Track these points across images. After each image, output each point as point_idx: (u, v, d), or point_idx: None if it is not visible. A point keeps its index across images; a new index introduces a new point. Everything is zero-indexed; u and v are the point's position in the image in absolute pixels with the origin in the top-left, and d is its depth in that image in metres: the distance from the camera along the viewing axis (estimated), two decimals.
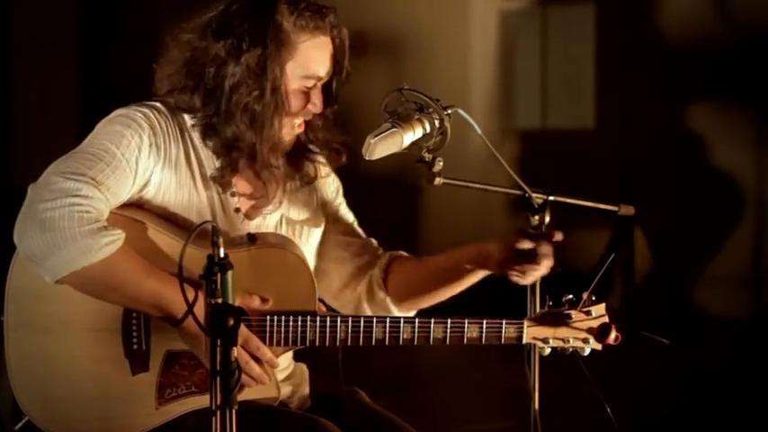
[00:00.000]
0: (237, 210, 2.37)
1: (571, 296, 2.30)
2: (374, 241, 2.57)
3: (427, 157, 2.27)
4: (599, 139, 7.66)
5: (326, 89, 2.38)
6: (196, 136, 2.34)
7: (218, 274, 1.86)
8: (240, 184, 2.39)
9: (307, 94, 2.33)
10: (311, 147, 2.46)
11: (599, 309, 2.31)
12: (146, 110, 2.29)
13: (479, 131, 2.27)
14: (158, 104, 2.33)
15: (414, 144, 2.26)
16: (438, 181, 2.28)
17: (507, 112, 8.08)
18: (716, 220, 7.09)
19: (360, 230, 2.57)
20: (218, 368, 1.83)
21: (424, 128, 2.25)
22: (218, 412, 1.84)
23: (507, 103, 8.09)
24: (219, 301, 1.86)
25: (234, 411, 1.84)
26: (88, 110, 6.88)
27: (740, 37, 6.95)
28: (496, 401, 5.18)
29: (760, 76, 6.76)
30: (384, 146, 2.22)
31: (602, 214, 2.44)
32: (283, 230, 2.44)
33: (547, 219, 2.32)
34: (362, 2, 7.46)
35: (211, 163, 2.35)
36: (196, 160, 2.34)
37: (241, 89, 2.27)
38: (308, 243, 2.48)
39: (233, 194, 2.36)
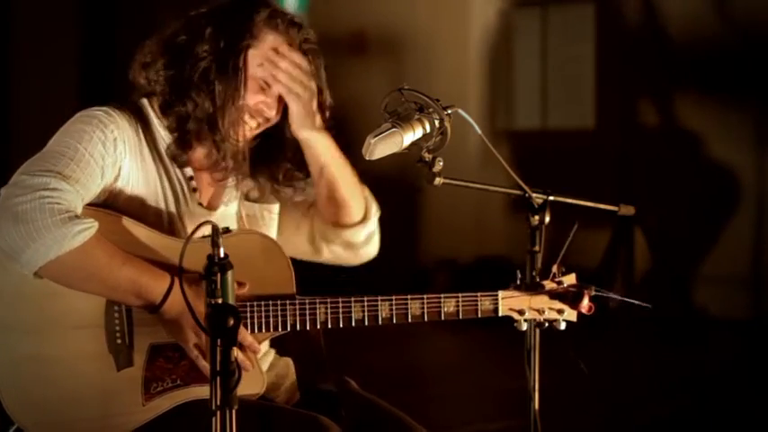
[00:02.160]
0: (195, 190, 2.39)
1: (539, 266, 2.32)
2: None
3: (427, 157, 2.27)
4: (599, 139, 7.67)
5: (287, 112, 2.40)
6: (159, 131, 2.37)
7: (218, 274, 1.86)
8: (198, 163, 2.40)
9: (263, 91, 2.36)
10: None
11: (570, 278, 2.34)
12: (106, 107, 2.34)
13: (479, 131, 2.27)
14: (118, 104, 2.37)
15: (414, 144, 2.25)
16: (438, 181, 2.28)
17: (507, 112, 8.08)
18: (716, 220, 7.09)
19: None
20: (217, 368, 1.83)
21: (424, 128, 2.25)
22: (218, 412, 1.83)
23: (507, 103, 8.10)
24: (219, 301, 1.86)
25: (233, 411, 1.84)
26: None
27: (740, 37, 6.95)
28: (497, 401, 5.18)
29: (760, 76, 6.77)
30: (384, 146, 2.22)
31: (602, 214, 2.44)
32: (244, 219, 2.48)
33: (547, 219, 2.33)
34: (362, 2, 7.47)
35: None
36: (158, 155, 2.36)
37: (205, 59, 2.32)
38: (270, 230, 2.51)
39: (191, 178, 2.39)
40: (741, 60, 6.86)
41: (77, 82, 7.01)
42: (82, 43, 7.06)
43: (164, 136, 2.37)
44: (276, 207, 2.55)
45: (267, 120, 2.40)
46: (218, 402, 1.83)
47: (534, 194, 2.33)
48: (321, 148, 2.42)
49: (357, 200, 2.51)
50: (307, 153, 2.43)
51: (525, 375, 2.32)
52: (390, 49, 7.63)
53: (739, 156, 7.03)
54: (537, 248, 2.34)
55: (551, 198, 2.34)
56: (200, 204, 2.40)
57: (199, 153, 2.39)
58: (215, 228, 1.90)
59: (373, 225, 2.57)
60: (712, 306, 6.98)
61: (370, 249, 2.59)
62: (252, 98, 2.36)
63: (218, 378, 1.83)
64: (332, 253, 2.57)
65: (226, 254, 1.89)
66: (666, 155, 7.20)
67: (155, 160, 2.35)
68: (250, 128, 2.39)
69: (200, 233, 1.96)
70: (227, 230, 2.32)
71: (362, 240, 2.56)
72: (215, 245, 1.89)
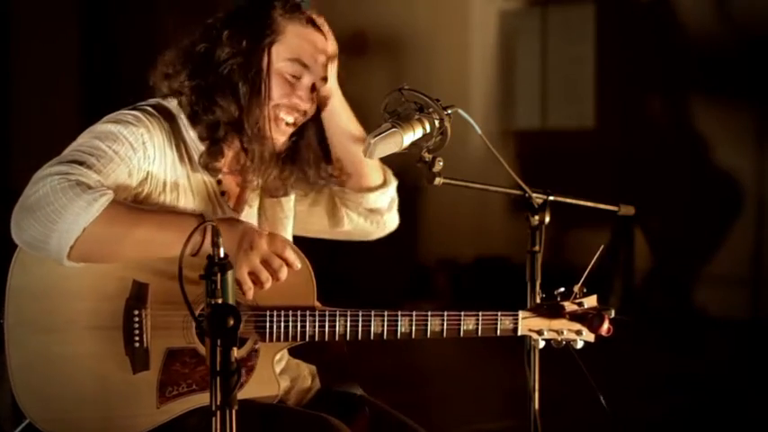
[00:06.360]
0: (223, 193, 2.38)
1: (563, 289, 2.35)
2: None
3: (427, 157, 2.28)
4: (599, 139, 7.66)
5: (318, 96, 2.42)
6: (189, 134, 2.35)
7: (218, 274, 1.86)
8: (227, 167, 2.40)
9: (293, 86, 2.35)
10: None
11: (591, 300, 2.36)
12: (137, 112, 2.31)
13: (479, 131, 2.27)
14: (149, 108, 2.35)
15: (414, 144, 2.26)
16: (438, 181, 2.28)
17: (507, 112, 8.08)
18: (716, 220, 7.09)
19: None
20: (218, 368, 1.83)
21: (424, 128, 2.25)
22: (218, 412, 1.84)
23: (507, 103, 8.09)
24: (219, 301, 1.86)
25: (234, 411, 1.84)
26: (88, 111, 6.88)
27: (740, 37, 6.95)
28: (497, 401, 5.18)
29: (760, 76, 6.76)
30: (384, 146, 2.23)
31: (602, 214, 2.45)
32: (266, 216, 2.48)
33: (547, 219, 2.33)
34: (362, 2, 7.47)
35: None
36: (188, 159, 2.35)
37: (227, 62, 2.32)
38: (289, 220, 2.52)
39: (219, 182, 2.38)
40: (741, 60, 6.86)
41: (78, 83, 7.00)
42: (83, 44, 7.05)
43: (194, 139, 2.35)
44: (290, 221, 2.54)
45: (304, 113, 2.39)
46: (219, 403, 1.83)
47: (534, 194, 2.34)
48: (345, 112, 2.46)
49: (373, 163, 2.53)
50: (330, 121, 2.46)
51: (525, 375, 2.32)
52: (390, 49, 7.62)
53: (739, 156, 7.03)
54: (537, 248, 2.35)
55: (551, 198, 2.34)
56: (223, 194, 2.39)
57: (228, 157, 2.38)
58: (215, 228, 1.90)
59: (394, 191, 2.61)
60: (712, 306, 6.97)
61: (393, 218, 2.63)
62: (282, 94, 2.35)
63: (219, 378, 1.83)
64: (352, 223, 2.59)
65: (226, 254, 1.88)
66: (666, 155, 7.20)
67: (184, 164, 2.34)
68: (287, 124, 2.38)
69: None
70: None
71: (386, 206, 2.58)
72: (215, 245, 1.89)
